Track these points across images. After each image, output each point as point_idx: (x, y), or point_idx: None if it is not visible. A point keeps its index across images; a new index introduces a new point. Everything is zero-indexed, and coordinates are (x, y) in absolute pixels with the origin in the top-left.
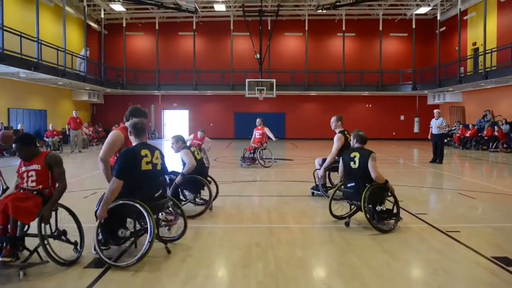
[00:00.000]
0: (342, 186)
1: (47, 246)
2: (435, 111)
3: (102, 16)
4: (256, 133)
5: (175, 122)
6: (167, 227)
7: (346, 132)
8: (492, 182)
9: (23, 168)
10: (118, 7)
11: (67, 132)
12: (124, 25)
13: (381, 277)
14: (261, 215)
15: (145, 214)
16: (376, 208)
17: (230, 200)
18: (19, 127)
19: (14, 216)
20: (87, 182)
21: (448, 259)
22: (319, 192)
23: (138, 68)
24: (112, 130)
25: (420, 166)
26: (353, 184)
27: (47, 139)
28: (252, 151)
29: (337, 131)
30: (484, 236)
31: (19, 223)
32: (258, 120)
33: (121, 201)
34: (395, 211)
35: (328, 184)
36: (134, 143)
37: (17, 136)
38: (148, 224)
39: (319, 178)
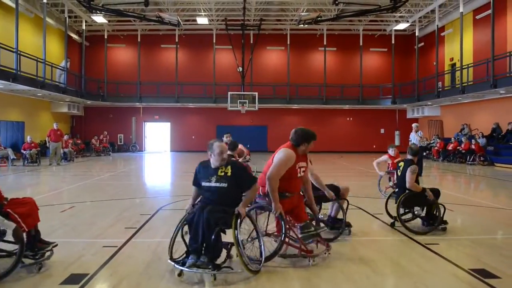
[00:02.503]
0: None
1: None
2: (414, 124)
3: (84, 27)
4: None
5: (157, 134)
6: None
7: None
8: (470, 195)
9: None
10: (100, 19)
11: (47, 144)
12: (105, 36)
13: None
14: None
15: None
16: (415, 212)
17: None
18: None
19: None
20: (65, 196)
21: (427, 272)
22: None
23: (120, 80)
24: (92, 142)
25: None
26: (397, 190)
27: (24, 152)
28: None
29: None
30: (462, 249)
31: None
32: (225, 135)
33: None
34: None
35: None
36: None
37: None
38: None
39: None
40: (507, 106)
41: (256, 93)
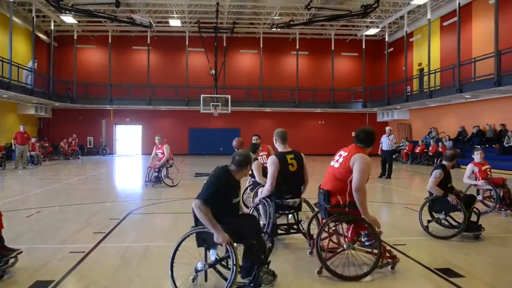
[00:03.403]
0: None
1: None
2: (387, 128)
3: (52, 27)
4: (158, 152)
5: (128, 137)
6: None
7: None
8: None
9: None
10: (69, 19)
11: (13, 147)
12: (75, 37)
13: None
14: None
15: None
16: (439, 216)
17: (183, 217)
18: None
19: None
20: (31, 200)
21: (394, 272)
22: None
23: (90, 82)
24: (61, 145)
25: (369, 181)
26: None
27: None
28: (156, 169)
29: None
30: (428, 249)
31: None
32: (157, 138)
33: None
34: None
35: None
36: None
37: None
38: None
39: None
40: (472, 110)
41: (229, 96)
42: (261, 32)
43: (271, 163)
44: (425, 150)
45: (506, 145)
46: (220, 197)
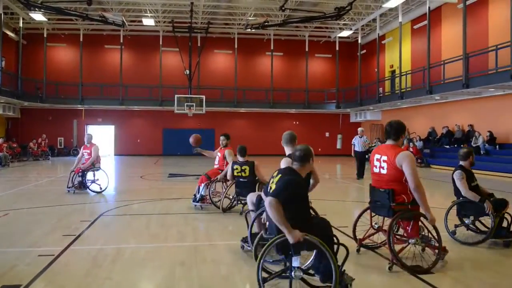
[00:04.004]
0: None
1: None
2: (359, 129)
3: (21, 25)
4: (84, 153)
5: (100, 138)
6: None
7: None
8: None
9: None
10: (38, 17)
11: None
12: (45, 35)
13: None
14: (186, 233)
15: None
16: (465, 221)
17: (155, 218)
18: None
19: None
20: None
21: (366, 272)
22: (248, 246)
23: (60, 81)
24: (30, 145)
25: (344, 181)
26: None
27: None
28: (80, 174)
29: (287, 153)
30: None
31: None
32: (87, 136)
33: None
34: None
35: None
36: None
37: None
38: None
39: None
40: (442, 111)
41: (204, 96)
42: (235, 33)
43: (287, 164)
44: None
45: (474, 145)
46: (296, 197)
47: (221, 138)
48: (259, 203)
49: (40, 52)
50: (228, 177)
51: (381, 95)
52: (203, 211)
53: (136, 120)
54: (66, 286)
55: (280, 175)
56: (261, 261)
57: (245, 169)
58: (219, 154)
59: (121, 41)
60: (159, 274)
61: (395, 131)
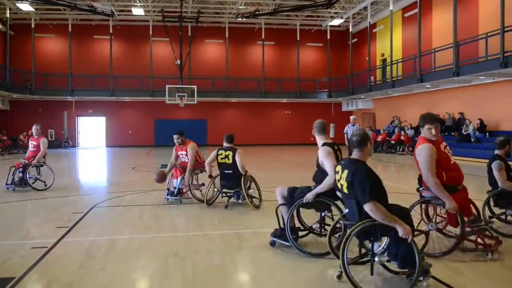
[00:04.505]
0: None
1: None
2: (351, 117)
3: (8, 15)
4: (31, 145)
5: (91, 129)
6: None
7: (335, 146)
8: (398, 183)
9: None
10: (25, 7)
11: None
12: (33, 26)
13: (300, 279)
14: (179, 223)
15: None
16: (505, 211)
17: (148, 209)
18: None
19: None
20: None
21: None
22: (282, 241)
23: (49, 72)
24: (20, 138)
25: None
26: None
27: None
28: (21, 169)
29: (320, 142)
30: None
31: None
32: (35, 127)
33: None
34: None
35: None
36: None
37: None
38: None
39: (286, 219)
40: (433, 99)
41: (195, 87)
42: (226, 22)
43: (327, 153)
44: (387, 138)
45: (464, 133)
46: (378, 188)
47: (175, 137)
48: (291, 196)
49: (28, 43)
50: (207, 163)
51: (373, 83)
52: (191, 202)
53: (127, 111)
54: (60, 278)
55: (347, 171)
56: (346, 246)
57: (229, 154)
58: (183, 153)
59: (111, 31)
60: (153, 264)
61: (422, 121)
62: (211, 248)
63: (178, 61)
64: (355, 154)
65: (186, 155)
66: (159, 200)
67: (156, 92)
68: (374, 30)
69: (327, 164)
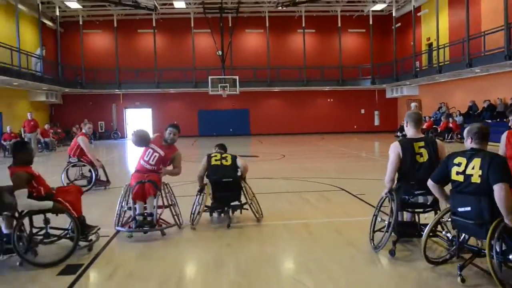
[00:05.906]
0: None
1: None
2: (412, 104)
3: (57, 13)
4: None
5: (138, 121)
6: None
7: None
8: None
9: None
10: (73, 5)
11: (22, 135)
12: (81, 22)
13: (346, 270)
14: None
15: None
16: None
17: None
18: None
19: None
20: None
21: (407, 250)
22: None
23: (97, 67)
24: (73, 130)
25: (381, 159)
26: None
27: (4, 143)
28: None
29: (416, 135)
30: None
31: None
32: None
33: None
34: None
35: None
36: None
37: None
38: None
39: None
40: (483, 84)
41: (237, 77)
42: (266, 11)
43: (392, 149)
44: (434, 126)
45: None
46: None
47: (171, 130)
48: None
49: (77, 39)
50: (199, 176)
51: (418, 69)
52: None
53: (172, 103)
54: (123, 265)
55: (480, 159)
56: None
57: (226, 157)
58: (161, 153)
59: (154, 25)
60: (208, 254)
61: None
62: (262, 238)
63: (220, 52)
64: (476, 145)
65: (165, 160)
66: None
67: (199, 83)
68: (418, 14)
69: (389, 159)
